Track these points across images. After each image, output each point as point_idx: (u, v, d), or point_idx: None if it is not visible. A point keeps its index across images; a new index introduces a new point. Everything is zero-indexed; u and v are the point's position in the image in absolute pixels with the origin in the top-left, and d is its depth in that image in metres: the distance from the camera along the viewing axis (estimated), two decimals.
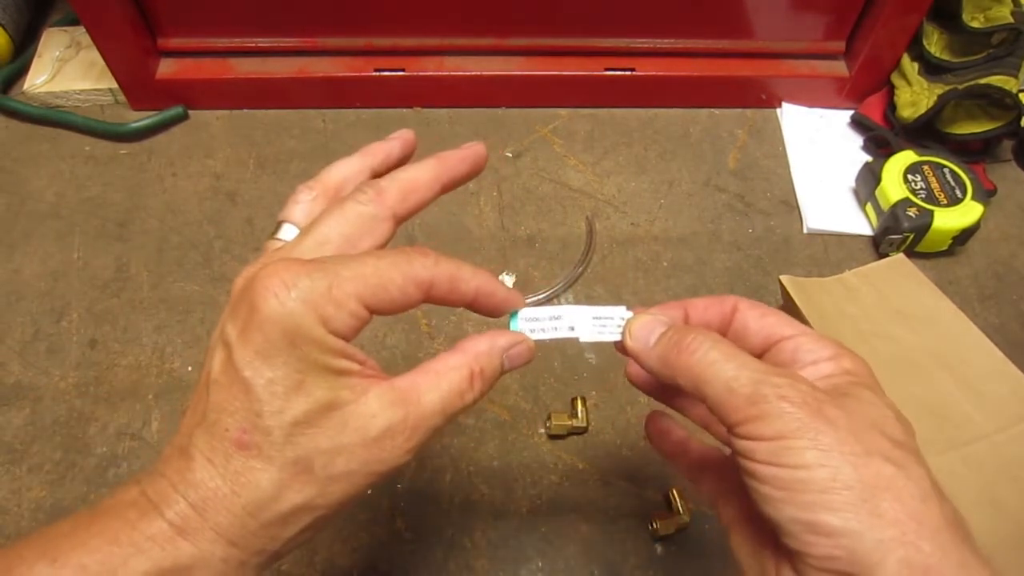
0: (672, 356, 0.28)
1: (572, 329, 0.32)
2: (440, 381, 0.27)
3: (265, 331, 0.24)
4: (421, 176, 0.30)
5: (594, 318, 0.32)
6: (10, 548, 0.24)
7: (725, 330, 0.31)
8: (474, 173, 0.32)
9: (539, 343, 0.31)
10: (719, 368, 0.26)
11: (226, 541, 0.24)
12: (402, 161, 0.34)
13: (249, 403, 0.24)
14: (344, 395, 0.25)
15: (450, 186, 0.31)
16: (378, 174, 0.32)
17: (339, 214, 0.28)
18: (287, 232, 0.30)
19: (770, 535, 0.26)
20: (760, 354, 0.30)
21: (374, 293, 0.25)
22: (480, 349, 0.29)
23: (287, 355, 0.24)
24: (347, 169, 0.32)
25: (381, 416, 0.26)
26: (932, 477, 0.24)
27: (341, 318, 0.25)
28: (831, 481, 0.23)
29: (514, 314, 0.31)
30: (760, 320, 0.30)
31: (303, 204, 0.31)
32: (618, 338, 0.31)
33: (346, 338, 0.25)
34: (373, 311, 0.26)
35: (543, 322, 0.31)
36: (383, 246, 0.29)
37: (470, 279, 0.28)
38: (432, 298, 0.27)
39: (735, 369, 0.26)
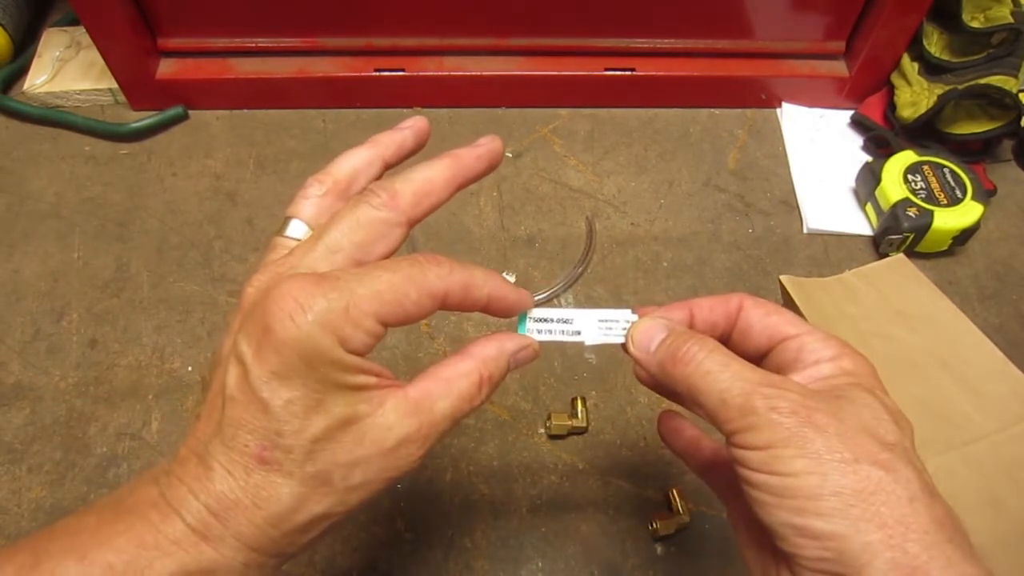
0: (669, 366, 0.29)
1: (578, 333, 0.32)
2: (451, 388, 0.27)
3: (282, 354, 0.24)
4: (436, 177, 0.29)
5: (600, 321, 0.32)
6: (35, 540, 0.25)
7: (730, 329, 0.32)
8: (490, 169, 0.31)
9: (542, 343, 0.32)
10: (713, 379, 0.27)
11: (247, 548, 0.25)
12: (415, 151, 0.32)
13: (268, 422, 0.24)
14: (362, 409, 0.25)
15: (464, 185, 0.30)
16: (390, 165, 0.31)
17: (352, 219, 0.27)
18: (294, 229, 0.29)
19: (770, 537, 0.26)
20: (765, 353, 0.31)
21: (391, 310, 0.25)
22: (489, 354, 0.29)
23: (305, 376, 0.24)
24: (358, 161, 0.30)
25: (397, 427, 0.26)
26: (924, 477, 0.25)
27: (359, 337, 0.25)
28: (819, 487, 0.24)
29: (523, 314, 0.31)
30: (764, 319, 0.30)
31: (312, 199, 0.30)
32: (622, 341, 0.32)
33: (362, 355, 0.25)
34: (388, 325, 0.26)
35: (551, 324, 0.32)
36: (395, 251, 0.29)
37: (482, 285, 0.28)
38: (446, 307, 0.27)
39: (728, 380, 0.26)
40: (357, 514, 0.47)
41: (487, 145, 0.31)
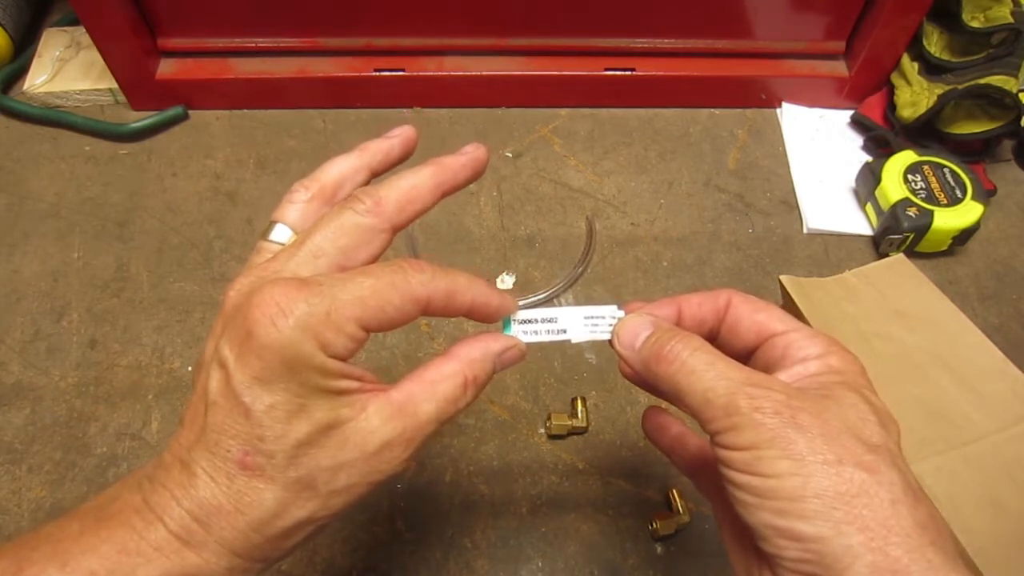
0: (653, 364, 0.28)
1: (564, 331, 0.32)
2: (435, 390, 0.27)
3: (264, 358, 0.24)
4: (421, 184, 0.29)
5: (586, 318, 0.32)
6: (18, 546, 0.25)
7: (719, 326, 0.31)
8: (475, 178, 0.32)
9: (535, 343, 0.31)
10: (697, 378, 0.27)
11: (231, 553, 0.25)
12: (402, 159, 0.33)
13: (250, 427, 0.24)
14: (344, 413, 0.25)
15: (450, 192, 0.31)
16: (376, 173, 0.32)
17: (336, 225, 0.27)
18: (279, 233, 0.29)
19: (753, 537, 0.26)
20: (752, 349, 0.30)
21: (373, 315, 0.25)
22: (474, 356, 0.29)
23: (287, 381, 0.24)
24: (345, 167, 0.31)
25: (380, 431, 0.26)
26: (908, 479, 0.25)
27: (340, 342, 0.25)
28: (802, 489, 0.24)
29: (508, 317, 0.31)
30: (752, 316, 0.30)
31: (297, 204, 0.30)
32: (608, 337, 0.32)
33: (344, 359, 0.25)
34: (371, 331, 0.26)
35: (536, 324, 0.32)
36: (379, 257, 0.29)
37: (465, 291, 0.28)
38: (429, 312, 0.27)
39: (712, 379, 0.26)
40: (357, 514, 0.47)
41: (471, 153, 0.31)
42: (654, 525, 0.46)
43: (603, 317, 0.32)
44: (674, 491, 0.47)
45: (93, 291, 0.57)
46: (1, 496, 0.47)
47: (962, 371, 0.47)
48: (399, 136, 0.32)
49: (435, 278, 0.27)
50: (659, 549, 0.46)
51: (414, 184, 0.29)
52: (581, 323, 0.32)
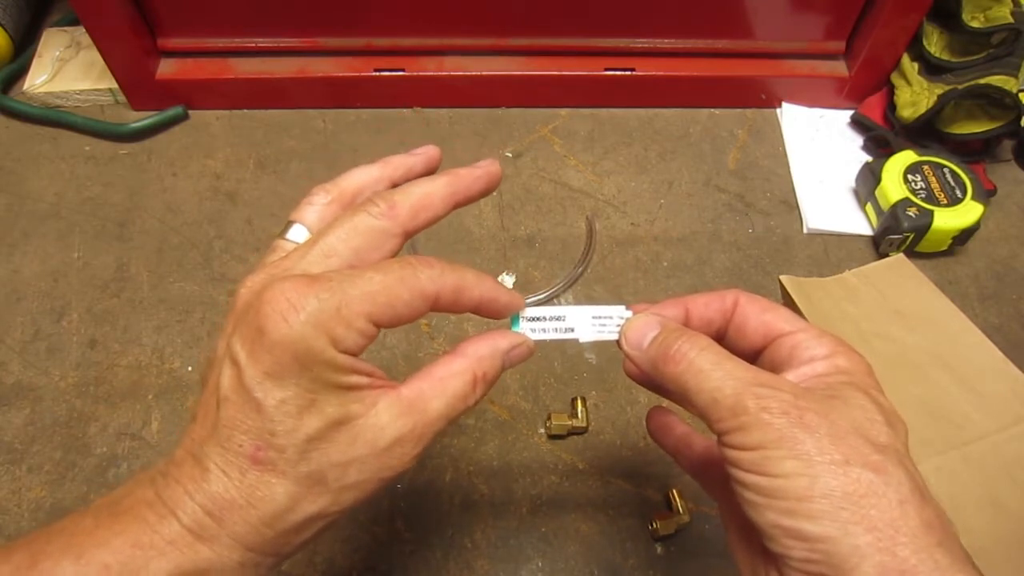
0: (660, 364, 0.29)
1: (572, 330, 0.32)
2: (445, 387, 0.28)
3: (275, 354, 0.24)
4: (435, 192, 0.30)
5: (593, 317, 0.32)
6: (32, 540, 0.25)
7: (726, 326, 0.32)
8: (487, 191, 0.32)
9: (539, 342, 0.31)
10: (704, 377, 0.27)
11: (243, 547, 0.25)
12: (422, 176, 0.33)
13: (262, 422, 0.24)
14: (354, 409, 0.26)
15: (462, 204, 0.31)
16: (396, 186, 0.32)
17: (349, 226, 0.28)
18: (296, 233, 0.30)
19: (759, 537, 0.26)
20: (760, 350, 0.31)
21: (382, 311, 0.25)
22: (482, 353, 0.29)
23: (298, 376, 0.24)
24: (366, 176, 0.31)
25: (390, 428, 0.26)
26: (915, 479, 0.25)
27: (351, 337, 0.25)
28: (809, 489, 0.24)
29: (516, 314, 0.32)
30: (760, 316, 0.30)
31: (316, 207, 0.30)
32: (616, 338, 0.32)
33: (354, 355, 0.25)
34: (381, 326, 0.26)
35: (544, 322, 0.32)
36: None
37: (474, 287, 0.28)
38: (437, 308, 0.27)
39: (720, 379, 0.26)
40: (357, 514, 0.47)
41: (486, 168, 0.32)
42: (654, 525, 0.46)
43: (611, 317, 0.32)
44: (674, 491, 0.47)
45: (93, 291, 0.57)
46: (1, 496, 0.47)
47: (962, 371, 0.47)
48: (423, 154, 0.33)
49: (444, 274, 0.27)
50: (659, 549, 0.46)
51: (428, 192, 0.30)
52: (589, 322, 0.32)
